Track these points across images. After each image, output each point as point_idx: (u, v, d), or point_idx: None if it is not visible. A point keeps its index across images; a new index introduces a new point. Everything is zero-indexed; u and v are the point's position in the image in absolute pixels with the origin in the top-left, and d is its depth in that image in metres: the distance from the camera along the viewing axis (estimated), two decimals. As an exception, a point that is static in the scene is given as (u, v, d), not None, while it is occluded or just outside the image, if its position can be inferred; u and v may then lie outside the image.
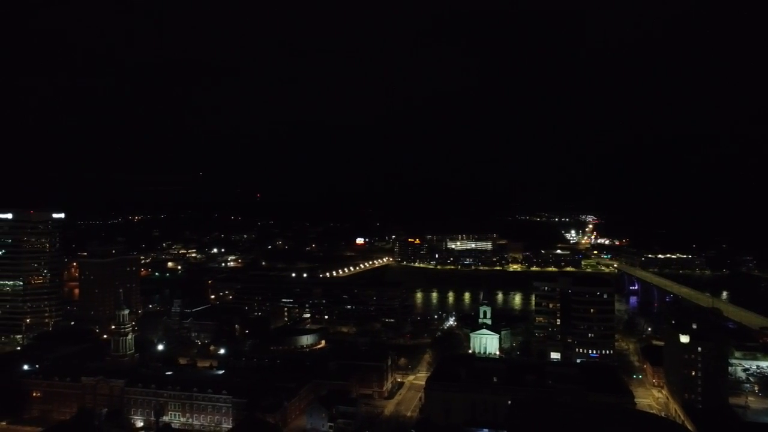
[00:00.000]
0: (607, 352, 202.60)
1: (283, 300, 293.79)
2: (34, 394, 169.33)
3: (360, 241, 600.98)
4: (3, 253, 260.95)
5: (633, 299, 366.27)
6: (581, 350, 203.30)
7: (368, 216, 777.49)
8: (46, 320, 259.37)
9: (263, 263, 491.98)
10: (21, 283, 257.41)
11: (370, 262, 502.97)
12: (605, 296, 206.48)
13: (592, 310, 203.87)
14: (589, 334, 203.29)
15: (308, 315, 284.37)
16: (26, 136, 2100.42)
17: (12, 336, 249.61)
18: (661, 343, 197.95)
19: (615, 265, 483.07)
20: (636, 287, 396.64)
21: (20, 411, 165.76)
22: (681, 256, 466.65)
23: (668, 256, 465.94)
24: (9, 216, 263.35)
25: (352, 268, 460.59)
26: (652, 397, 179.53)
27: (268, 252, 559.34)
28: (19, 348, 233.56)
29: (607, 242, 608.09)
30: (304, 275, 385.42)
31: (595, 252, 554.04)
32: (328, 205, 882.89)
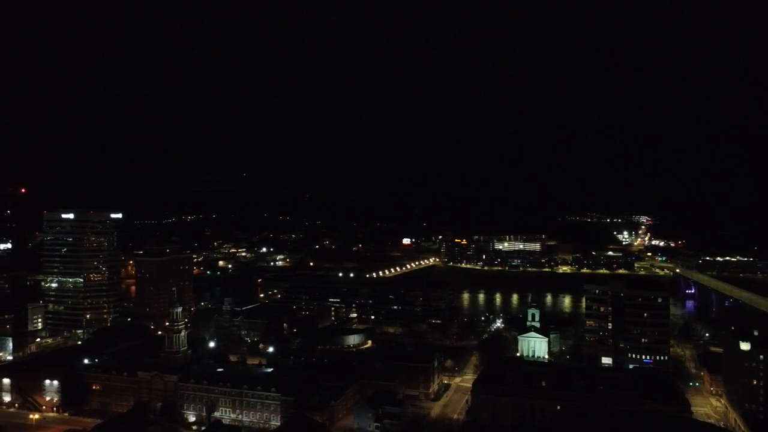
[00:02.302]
0: (662, 358, 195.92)
1: (330, 300, 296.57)
2: (94, 387, 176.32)
3: (406, 241, 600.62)
4: (65, 251, 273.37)
5: (689, 303, 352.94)
6: (634, 356, 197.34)
7: (415, 216, 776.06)
8: (105, 316, 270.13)
9: (311, 263, 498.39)
10: (81, 280, 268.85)
11: (417, 263, 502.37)
12: (660, 300, 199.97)
13: (645, 315, 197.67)
14: (643, 339, 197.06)
15: (355, 315, 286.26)
16: (86, 140, 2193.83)
17: (73, 331, 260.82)
18: (720, 350, 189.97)
19: (671, 268, 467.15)
20: (692, 291, 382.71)
21: (82, 403, 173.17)
22: (741, 258, 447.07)
23: (728, 258, 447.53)
24: (71, 216, 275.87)
25: (398, 269, 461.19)
26: (709, 406, 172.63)
27: (316, 252, 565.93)
28: (80, 342, 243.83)
29: (661, 244, 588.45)
30: (351, 275, 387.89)
31: (649, 254, 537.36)
32: (375, 206, 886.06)
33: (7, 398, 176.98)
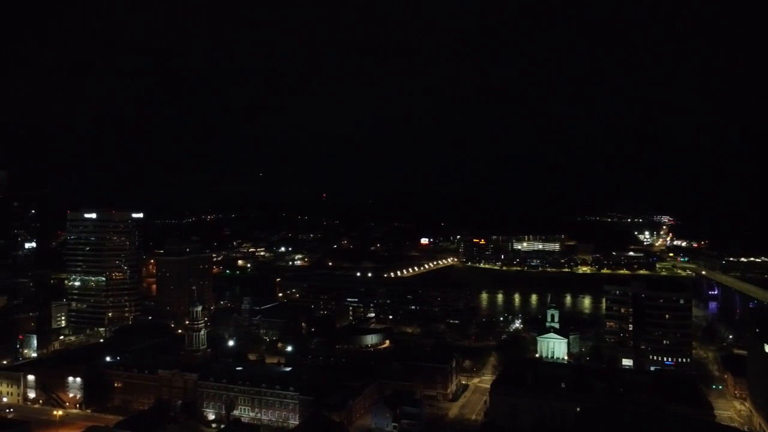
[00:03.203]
0: (684, 360, 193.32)
1: (349, 299, 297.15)
2: (116, 385, 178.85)
3: (424, 241, 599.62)
4: (87, 250, 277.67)
5: (712, 305, 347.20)
6: (655, 357, 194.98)
7: (433, 216, 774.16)
8: (127, 314, 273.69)
9: (329, 262, 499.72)
10: (104, 278, 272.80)
11: (435, 263, 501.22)
12: (682, 301, 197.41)
13: (667, 316, 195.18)
14: (664, 341, 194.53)
15: (373, 314, 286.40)
16: (107, 140, 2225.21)
17: (96, 329, 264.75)
18: (744, 353, 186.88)
19: (694, 269, 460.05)
20: (716, 292, 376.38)
21: (104, 400, 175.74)
22: (766, 259, 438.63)
23: (752, 259, 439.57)
24: (93, 216, 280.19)
25: (416, 268, 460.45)
26: (733, 409, 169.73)
27: (334, 251, 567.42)
28: (102, 340, 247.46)
29: (683, 244, 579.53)
30: (369, 275, 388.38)
31: (671, 254, 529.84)
32: (392, 205, 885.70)
33: (31, 395, 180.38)
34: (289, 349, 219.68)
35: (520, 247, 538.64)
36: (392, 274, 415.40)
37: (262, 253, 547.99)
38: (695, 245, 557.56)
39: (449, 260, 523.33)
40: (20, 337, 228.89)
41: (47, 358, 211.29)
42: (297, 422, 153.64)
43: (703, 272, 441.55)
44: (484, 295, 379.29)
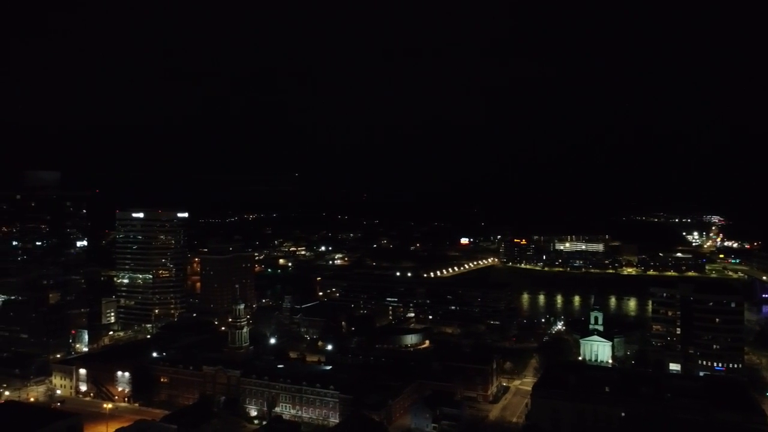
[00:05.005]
0: (735, 365, 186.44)
1: (388, 299, 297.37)
2: (162, 380, 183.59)
3: (464, 240, 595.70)
4: (135, 249, 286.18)
5: (765, 309, 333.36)
6: (704, 362, 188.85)
7: (473, 215, 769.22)
8: (172, 311, 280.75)
9: (368, 262, 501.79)
10: (150, 276, 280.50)
11: (475, 263, 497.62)
12: (733, 304, 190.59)
13: (717, 320, 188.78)
14: (714, 346, 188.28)
15: (412, 314, 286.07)
16: (154, 142, 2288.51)
17: (143, 325, 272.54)
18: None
19: (746, 271, 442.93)
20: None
21: (151, 394, 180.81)
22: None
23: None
24: (141, 215, 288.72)
25: (456, 268, 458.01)
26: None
27: (374, 251, 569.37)
28: (149, 336, 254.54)
29: (735, 245, 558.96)
30: (409, 274, 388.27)
31: (721, 256, 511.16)
32: (432, 205, 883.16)
33: (83, 387, 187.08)
34: (329, 347, 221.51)
35: (562, 247, 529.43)
36: (432, 274, 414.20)
37: (302, 252, 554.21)
38: (747, 246, 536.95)
39: (489, 260, 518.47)
40: (72, 332, 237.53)
41: (97, 353, 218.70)
42: (337, 420, 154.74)
43: (750, 273, 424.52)
44: (525, 296, 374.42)
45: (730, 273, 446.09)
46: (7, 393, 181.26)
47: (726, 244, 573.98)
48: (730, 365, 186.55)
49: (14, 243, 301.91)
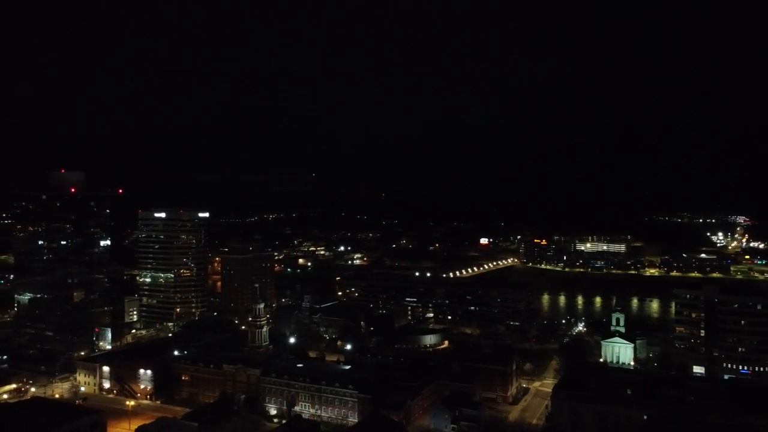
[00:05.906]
0: (762, 369, 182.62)
1: (407, 299, 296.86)
2: (183, 378, 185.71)
3: (484, 241, 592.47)
4: (157, 248, 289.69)
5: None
6: (729, 365, 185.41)
7: (492, 215, 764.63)
8: (193, 310, 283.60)
9: (388, 262, 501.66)
10: (172, 275, 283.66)
11: (494, 263, 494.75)
12: (759, 306, 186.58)
13: (743, 322, 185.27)
14: (740, 348, 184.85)
15: (431, 314, 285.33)
16: (174, 143, 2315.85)
17: (165, 323, 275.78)
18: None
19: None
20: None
21: (172, 392, 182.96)
22: None
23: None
24: (163, 215, 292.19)
25: (475, 269, 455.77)
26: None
27: (392, 251, 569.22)
28: (170, 335, 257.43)
29: (761, 246, 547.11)
30: (428, 274, 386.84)
31: (747, 257, 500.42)
32: (451, 205, 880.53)
33: (106, 384, 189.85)
34: (349, 347, 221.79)
35: (583, 247, 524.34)
36: (451, 274, 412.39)
37: (322, 252, 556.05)
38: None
39: (509, 261, 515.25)
40: (96, 330, 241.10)
41: (120, 351, 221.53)
42: (356, 420, 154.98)
43: None
44: (546, 297, 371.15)
45: (756, 274, 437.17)
46: (33, 389, 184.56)
47: (752, 244, 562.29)
48: (757, 369, 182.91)
49: (40, 242, 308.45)
